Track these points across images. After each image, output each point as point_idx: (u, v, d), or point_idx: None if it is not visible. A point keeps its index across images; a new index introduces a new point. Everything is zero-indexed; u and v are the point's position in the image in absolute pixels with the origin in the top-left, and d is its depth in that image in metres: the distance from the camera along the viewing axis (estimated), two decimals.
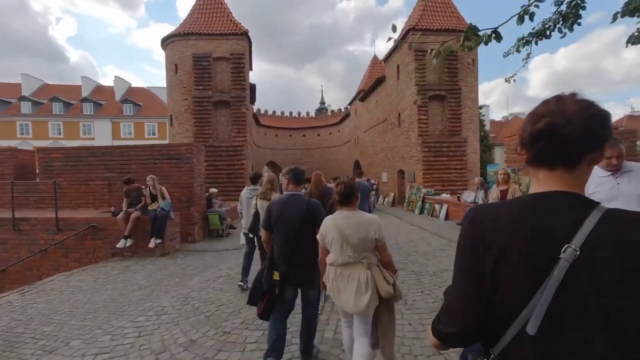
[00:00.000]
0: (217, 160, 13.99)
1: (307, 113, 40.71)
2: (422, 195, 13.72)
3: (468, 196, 9.93)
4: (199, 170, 8.12)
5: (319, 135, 37.11)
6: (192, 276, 5.15)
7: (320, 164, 36.58)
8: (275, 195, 3.75)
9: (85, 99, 35.26)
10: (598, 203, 0.69)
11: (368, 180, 20.58)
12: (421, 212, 13.43)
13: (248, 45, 15.66)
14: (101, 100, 36.90)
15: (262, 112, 39.24)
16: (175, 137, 15.03)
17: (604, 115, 0.70)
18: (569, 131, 0.67)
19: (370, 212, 10.05)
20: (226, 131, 14.96)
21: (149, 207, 6.40)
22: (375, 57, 27.32)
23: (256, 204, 3.94)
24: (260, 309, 2.39)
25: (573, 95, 0.72)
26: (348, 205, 2.13)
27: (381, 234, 2.05)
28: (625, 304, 0.60)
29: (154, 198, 6.44)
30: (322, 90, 73.23)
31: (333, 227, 2.05)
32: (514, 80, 4.15)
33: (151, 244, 6.13)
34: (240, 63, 14.65)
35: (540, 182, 0.75)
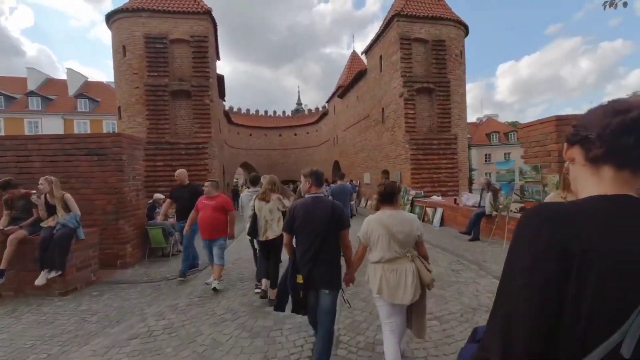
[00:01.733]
0: (174, 160, 11.84)
1: (284, 112, 38.78)
2: (410, 197, 12.34)
3: (467, 199, 8.57)
4: (132, 171, 6.12)
5: (295, 135, 35.31)
6: (87, 337, 3.22)
7: (297, 165, 34.79)
8: (275, 197, 3.81)
9: (31, 93, 31.26)
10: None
11: (351, 181, 19.10)
12: None
13: (212, 27, 13.62)
14: (51, 95, 32.99)
15: (235, 110, 36.89)
16: (124, 132, 12.65)
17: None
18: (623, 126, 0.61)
19: (352, 216, 8.61)
20: (187, 126, 12.83)
21: (43, 223, 4.36)
22: (354, 52, 25.99)
23: (254, 206, 3.87)
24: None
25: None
26: (391, 204, 2.37)
27: (422, 229, 2.36)
28: None
29: (51, 210, 4.40)
30: (298, 91, 71.37)
31: (379, 225, 2.22)
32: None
33: (39, 280, 4.08)
34: (203, 47, 12.60)
35: (602, 183, 0.65)
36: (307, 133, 34.48)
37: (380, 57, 15.40)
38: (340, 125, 24.00)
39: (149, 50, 12.13)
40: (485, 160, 42.11)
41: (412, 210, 12.08)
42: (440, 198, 11.66)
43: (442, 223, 9.74)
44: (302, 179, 2.75)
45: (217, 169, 13.52)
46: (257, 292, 4.10)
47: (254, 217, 3.86)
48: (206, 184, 4.64)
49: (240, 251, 6.95)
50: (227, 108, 36.69)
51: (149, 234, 6.22)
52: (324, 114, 30.01)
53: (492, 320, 0.64)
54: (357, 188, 16.98)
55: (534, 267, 0.58)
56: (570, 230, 0.57)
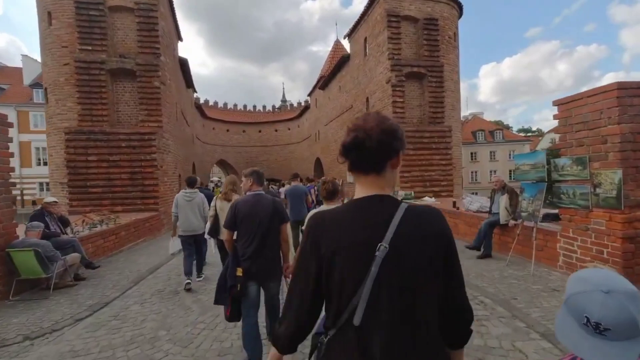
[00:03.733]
0: (112, 154, 9.59)
1: (264, 107, 36.46)
2: (399, 199, 10.58)
3: (471, 202, 6.84)
4: None
5: (276, 131, 33.15)
6: None
7: (278, 163, 32.68)
8: (236, 196, 3.82)
9: None
10: (401, 202, 0.85)
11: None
12: None
13: None
14: (4, 84, 29.57)
15: (211, 104, 34.32)
16: (52, 120, 10.30)
17: (394, 128, 0.85)
18: (369, 144, 0.82)
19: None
20: (133, 114, 10.58)
21: None
22: (337, 42, 24.12)
23: (215, 206, 3.99)
24: (228, 310, 2.46)
25: (376, 113, 0.89)
26: (332, 200, 2.72)
27: None
28: (419, 286, 0.79)
29: None
30: (283, 88, 68.74)
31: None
32: None
33: None
34: (151, 18, 10.39)
35: (361, 185, 0.89)
36: (289, 129, 32.41)
37: (365, 39, 13.59)
38: (322, 120, 22.11)
39: (80, 18, 9.80)
40: (472, 159, 41.29)
41: None
42: (433, 200, 9.96)
43: None
44: (243, 178, 2.82)
45: (170, 165, 11.33)
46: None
47: (216, 217, 3.96)
48: None
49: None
50: (202, 101, 34.22)
51: (13, 261, 4.09)
52: (306, 108, 28.03)
53: (288, 297, 0.92)
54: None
55: (301, 266, 0.88)
56: (321, 234, 0.85)
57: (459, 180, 12.60)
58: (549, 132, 52.54)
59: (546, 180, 4.53)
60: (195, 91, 24.56)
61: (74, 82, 9.88)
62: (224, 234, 2.79)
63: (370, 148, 0.82)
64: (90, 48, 10.00)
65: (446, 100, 12.08)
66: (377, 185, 0.86)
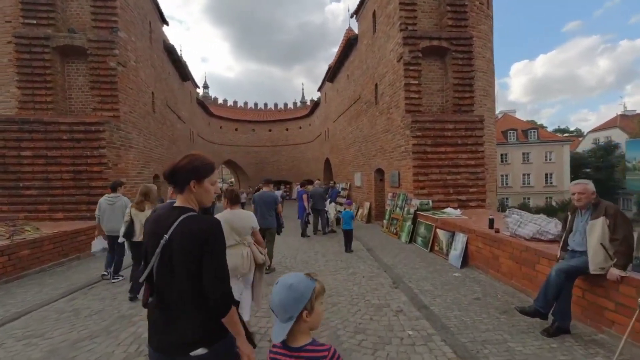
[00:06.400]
0: (51, 149, 7.81)
1: (275, 105, 34.64)
2: (411, 209, 8.09)
3: (519, 223, 4.29)
4: None
5: (287, 130, 31.15)
6: None
7: (288, 164, 30.64)
8: (149, 205, 4.31)
9: None
10: (188, 210, 1.32)
11: (333, 184, 15.06)
12: (411, 239, 7.78)
13: None
14: None
15: (221, 102, 32.96)
16: None
17: (178, 166, 1.33)
18: (170, 173, 1.34)
19: (326, 231, 9.47)
20: (88, 101, 8.81)
21: None
22: (349, 29, 21.70)
23: (130, 212, 4.31)
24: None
25: (189, 154, 1.39)
26: (234, 205, 3.23)
27: (256, 223, 3.20)
28: (181, 264, 1.23)
29: None
30: (302, 88, 66.92)
31: (223, 220, 2.29)
32: None
33: None
34: None
35: (178, 198, 1.38)
36: (300, 128, 30.32)
37: (374, 13, 11.18)
38: (331, 116, 19.80)
39: None
40: (502, 161, 37.32)
41: (413, 230, 7.83)
42: (458, 212, 7.40)
43: (464, 260, 5.47)
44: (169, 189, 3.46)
45: (132, 163, 9.44)
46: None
47: (130, 222, 4.29)
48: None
49: None
50: (220, 101, 32.91)
51: None
52: (316, 104, 25.81)
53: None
54: (337, 192, 12.80)
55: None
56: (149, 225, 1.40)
57: (492, 186, 9.87)
58: (590, 132, 47.16)
59: None
60: (197, 86, 23.06)
61: (15, 64, 8.23)
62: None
63: (172, 177, 1.36)
64: (35, 22, 8.32)
65: (476, 83, 9.43)
66: (183, 199, 1.39)
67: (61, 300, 4.25)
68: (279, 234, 5.97)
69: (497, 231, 4.72)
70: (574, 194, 2.95)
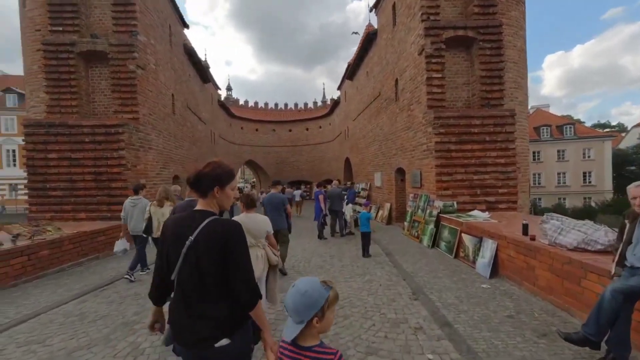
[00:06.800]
0: (75, 151, 8.05)
1: (296, 105, 34.64)
2: (434, 211, 7.57)
3: (560, 230, 3.74)
4: None
5: (307, 129, 31.02)
6: None
7: (308, 164, 30.50)
8: (168, 203, 4.94)
9: None
10: (211, 214, 1.43)
11: (351, 184, 14.65)
12: (434, 243, 7.26)
13: None
14: None
15: (242, 103, 33.43)
16: (27, 114, 9.15)
17: (202, 173, 1.44)
18: (195, 179, 1.43)
19: (344, 233, 9.14)
20: (110, 104, 9.03)
21: None
22: (369, 25, 21.14)
23: (149, 210, 4.98)
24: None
25: (212, 162, 1.48)
26: (250, 209, 3.37)
27: (270, 228, 3.31)
28: (207, 263, 1.32)
29: None
30: (323, 88, 66.80)
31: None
32: None
33: None
34: None
35: (199, 202, 1.48)
36: (320, 127, 30.07)
37: (394, 5, 10.68)
38: (350, 114, 19.38)
39: None
40: (534, 159, 35.06)
41: (436, 234, 7.31)
42: (486, 215, 6.81)
43: (494, 269, 4.95)
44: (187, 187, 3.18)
45: (152, 165, 9.59)
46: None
47: (150, 219, 4.92)
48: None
49: None
50: (241, 102, 33.44)
51: None
52: (336, 102, 25.45)
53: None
54: (354, 193, 12.40)
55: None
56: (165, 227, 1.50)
57: (524, 186, 9.09)
58: (635, 126, 43.31)
59: None
60: (218, 88, 23.45)
61: (43, 70, 8.58)
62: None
63: (196, 183, 1.46)
64: (61, 29, 8.63)
65: (507, 75, 8.70)
66: (204, 203, 1.50)
67: (71, 302, 4.22)
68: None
69: (533, 238, 4.18)
70: (635, 197, 2.44)
